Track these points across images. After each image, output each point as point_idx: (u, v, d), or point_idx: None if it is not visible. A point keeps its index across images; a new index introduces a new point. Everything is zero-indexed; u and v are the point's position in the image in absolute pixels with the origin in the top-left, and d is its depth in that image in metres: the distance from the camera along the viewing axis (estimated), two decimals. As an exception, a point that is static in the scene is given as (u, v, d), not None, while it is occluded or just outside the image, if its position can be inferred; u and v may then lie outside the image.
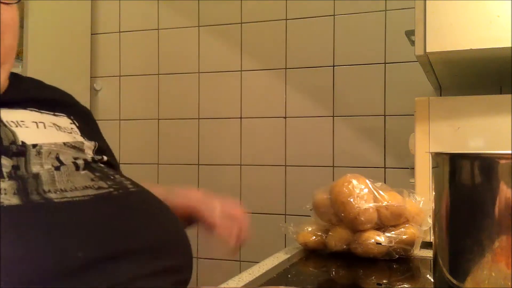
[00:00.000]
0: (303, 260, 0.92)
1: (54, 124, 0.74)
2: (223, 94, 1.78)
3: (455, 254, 0.56)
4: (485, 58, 1.00)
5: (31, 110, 0.73)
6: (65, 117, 0.79)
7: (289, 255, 0.94)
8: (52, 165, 0.66)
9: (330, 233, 0.93)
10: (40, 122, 0.72)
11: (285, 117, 1.71)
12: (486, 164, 0.53)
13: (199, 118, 1.81)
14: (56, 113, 0.78)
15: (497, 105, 0.99)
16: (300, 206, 1.03)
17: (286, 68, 1.70)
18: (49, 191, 0.61)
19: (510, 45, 0.89)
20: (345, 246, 0.90)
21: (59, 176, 0.64)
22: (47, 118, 0.75)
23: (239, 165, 1.75)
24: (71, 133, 0.76)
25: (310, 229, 0.97)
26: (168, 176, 1.83)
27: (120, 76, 1.91)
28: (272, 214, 1.70)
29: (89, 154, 0.74)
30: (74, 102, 0.87)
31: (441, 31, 0.93)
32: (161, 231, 0.69)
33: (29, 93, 0.78)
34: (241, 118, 1.75)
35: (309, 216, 1.00)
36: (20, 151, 0.64)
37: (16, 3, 0.71)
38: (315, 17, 1.67)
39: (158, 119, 1.86)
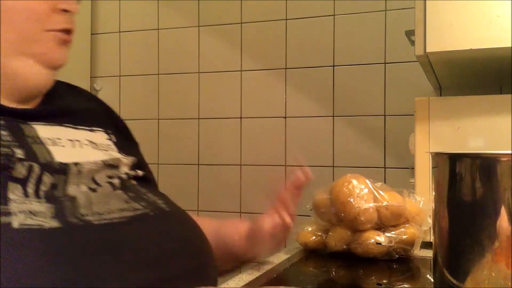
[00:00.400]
0: (303, 260, 0.92)
1: (90, 141, 0.73)
2: (223, 94, 1.78)
3: (455, 254, 0.56)
4: (485, 58, 0.99)
5: (67, 127, 0.72)
6: (101, 132, 0.78)
7: (289, 255, 0.94)
8: (88, 187, 0.65)
9: (330, 233, 0.93)
10: (76, 140, 0.71)
11: (285, 117, 1.71)
12: (486, 164, 0.53)
13: (199, 118, 1.81)
14: (92, 128, 0.77)
15: (497, 105, 0.99)
16: (300, 206, 1.03)
17: (286, 68, 1.70)
18: (86, 214, 0.61)
19: (510, 45, 0.89)
20: (345, 246, 0.90)
21: (96, 199, 0.64)
22: (83, 135, 0.73)
23: (239, 165, 1.75)
24: (107, 150, 0.75)
25: (310, 229, 0.97)
26: (168, 176, 1.83)
27: (120, 76, 1.91)
28: (272, 214, 1.70)
29: (123, 170, 0.73)
30: (111, 113, 0.86)
31: (441, 31, 0.93)
32: (194, 255, 0.70)
33: (66, 105, 0.77)
34: (241, 118, 1.75)
35: (309, 216, 1.00)
36: (62, 168, 0.63)
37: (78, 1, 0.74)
38: (315, 17, 1.67)
39: (158, 119, 1.86)
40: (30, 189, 0.59)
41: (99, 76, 1.94)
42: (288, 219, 0.79)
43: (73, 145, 0.70)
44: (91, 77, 1.92)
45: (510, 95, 0.98)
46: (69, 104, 0.78)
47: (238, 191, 1.75)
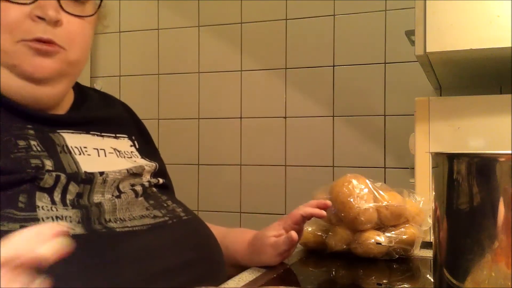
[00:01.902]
0: (303, 260, 0.92)
1: (114, 149, 0.74)
2: (223, 94, 1.78)
3: (455, 254, 0.56)
4: (485, 58, 0.99)
5: (93, 135, 0.74)
6: (126, 139, 0.79)
7: (289, 255, 0.94)
8: (113, 195, 0.67)
9: (330, 233, 0.93)
10: (101, 149, 0.72)
11: (285, 117, 1.70)
12: (486, 164, 0.53)
13: (199, 118, 1.81)
14: (117, 135, 0.78)
15: (497, 105, 0.99)
16: (300, 206, 1.03)
17: (286, 68, 1.70)
18: (110, 220, 0.63)
19: (510, 45, 0.89)
20: (345, 246, 0.90)
21: (120, 205, 0.66)
22: (108, 143, 0.75)
23: (239, 165, 1.75)
24: (130, 157, 0.76)
25: (310, 229, 0.97)
26: (168, 176, 1.83)
27: (120, 76, 1.91)
28: (272, 214, 1.70)
29: (145, 178, 0.74)
30: (136, 120, 0.88)
31: (441, 31, 0.93)
32: (209, 263, 0.71)
33: (93, 113, 0.77)
34: (241, 118, 1.75)
35: (309, 216, 0.99)
36: (88, 178, 0.65)
37: (86, 16, 0.70)
38: (315, 17, 1.67)
39: (158, 119, 1.86)
40: (56, 197, 0.61)
41: (99, 76, 1.93)
42: (294, 234, 0.79)
43: (98, 155, 0.71)
44: (91, 77, 1.92)
45: (510, 95, 0.98)
46: (97, 111, 0.79)
47: (238, 191, 1.75)
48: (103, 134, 0.75)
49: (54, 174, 0.61)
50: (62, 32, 0.67)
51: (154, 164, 0.78)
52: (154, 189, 0.74)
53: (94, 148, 0.71)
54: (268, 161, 1.72)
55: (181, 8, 1.83)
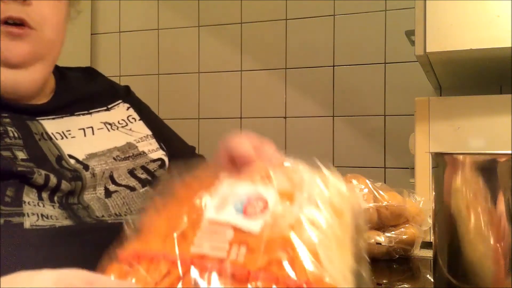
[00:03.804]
0: (303, 260, 0.92)
1: (105, 123, 0.72)
2: (223, 94, 1.78)
3: (455, 254, 0.56)
4: (485, 58, 0.99)
5: (79, 115, 0.71)
6: (120, 104, 0.77)
7: (289, 255, 0.94)
8: (105, 187, 0.65)
9: (330, 233, 0.93)
10: (88, 128, 0.70)
11: (285, 117, 1.70)
12: (486, 164, 0.53)
13: (199, 118, 1.81)
14: (109, 106, 0.75)
15: (497, 105, 0.99)
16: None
17: (286, 68, 1.70)
18: (103, 216, 0.61)
19: (510, 45, 0.89)
20: (345, 246, 0.90)
21: (113, 202, 0.64)
22: (97, 118, 0.73)
23: (239, 165, 1.75)
24: (126, 124, 0.74)
25: (310, 229, 0.97)
26: (168, 176, 1.83)
27: (120, 76, 1.91)
28: (272, 214, 1.70)
29: (146, 153, 0.72)
30: (131, 94, 0.84)
31: (441, 31, 0.93)
32: None
33: (78, 92, 0.75)
34: (241, 118, 1.75)
35: (309, 216, 0.99)
36: (75, 176, 0.63)
37: None
38: (315, 17, 1.67)
39: (158, 119, 1.86)
40: (45, 193, 0.59)
41: (99, 76, 1.93)
42: None
43: (85, 134, 0.69)
44: (91, 77, 1.92)
45: (510, 95, 0.98)
46: (81, 90, 0.76)
47: (238, 191, 1.75)
48: (91, 111, 0.73)
49: (43, 172, 0.60)
50: (33, 12, 0.65)
51: (149, 130, 0.76)
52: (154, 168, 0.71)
53: (80, 129, 0.69)
54: (268, 161, 1.72)
55: (181, 8, 1.83)
